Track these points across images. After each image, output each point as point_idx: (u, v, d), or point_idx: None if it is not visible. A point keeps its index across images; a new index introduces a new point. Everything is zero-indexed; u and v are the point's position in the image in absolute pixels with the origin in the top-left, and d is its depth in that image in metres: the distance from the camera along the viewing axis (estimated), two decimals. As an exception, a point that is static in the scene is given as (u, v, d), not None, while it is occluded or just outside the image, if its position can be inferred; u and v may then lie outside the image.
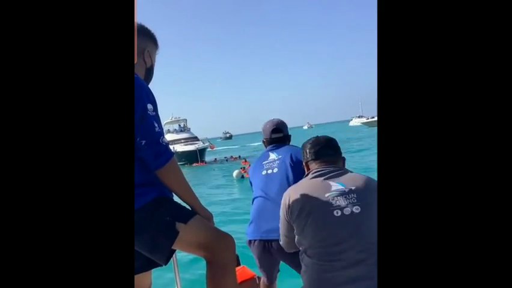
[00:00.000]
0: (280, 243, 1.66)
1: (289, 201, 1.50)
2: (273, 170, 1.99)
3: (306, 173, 1.61)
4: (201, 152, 26.70)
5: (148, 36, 1.51)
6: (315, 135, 1.68)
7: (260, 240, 1.85)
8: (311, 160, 1.60)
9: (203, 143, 28.99)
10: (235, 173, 16.66)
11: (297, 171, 1.84)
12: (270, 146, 2.13)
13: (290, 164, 1.94)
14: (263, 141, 2.22)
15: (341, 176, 1.49)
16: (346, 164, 1.65)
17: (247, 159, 23.52)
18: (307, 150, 1.61)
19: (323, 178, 1.49)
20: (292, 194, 1.51)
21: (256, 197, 1.98)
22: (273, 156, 2.05)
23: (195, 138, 29.15)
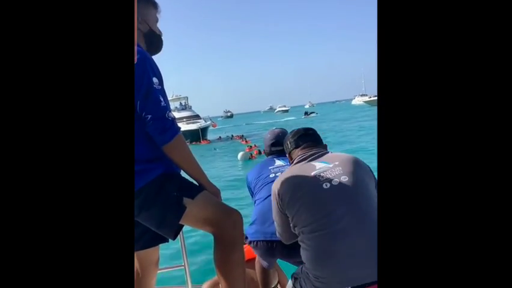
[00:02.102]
0: (278, 235, 1.66)
1: (278, 190, 1.51)
2: (281, 172, 1.94)
3: (290, 162, 1.66)
4: (203, 130, 26.77)
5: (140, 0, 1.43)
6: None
7: (264, 240, 1.83)
8: (293, 149, 1.66)
9: (205, 121, 28.99)
10: (239, 155, 15.72)
11: None
12: (273, 155, 2.14)
13: None
14: (264, 151, 2.25)
15: (323, 155, 1.55)
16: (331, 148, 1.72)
17: (247, 139, 23.48)
18: (289, 141, 1.69)
19: (306, 161, 1.54)
20: (279, 182, 1.52)
21: (262, 198, 1.95)
22: (279, 162, 2.05)
23: (196, 117, 29.11)
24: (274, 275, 2.17)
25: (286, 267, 2.19)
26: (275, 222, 1.62)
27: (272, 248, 1.82)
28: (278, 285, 2.35)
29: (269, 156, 2.16)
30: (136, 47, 1.17)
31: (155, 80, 1.24)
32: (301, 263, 1.52)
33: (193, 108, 31.74)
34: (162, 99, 1.25)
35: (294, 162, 1.59)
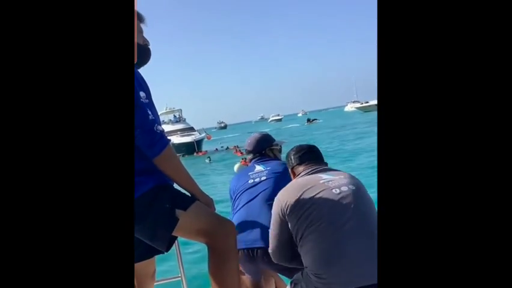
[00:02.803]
0: (270, 250, 1.62)
1: (284, 204, 1.50)
2: (260, 178, 1.94)
3: (293, 178, 1.68)
4: (198, 142, 26.69)
5: None
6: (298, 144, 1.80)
7: (244, 249, 1.78)
8: (296, 165, 1.69)
9: (199, 133, 28.95)
10: (236, 167, 16.23)
11: (288, 180, 1.76)
12: (255, 159, 2.11)
13: (280, 172, 1.92)
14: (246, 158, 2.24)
15: (327, 171, 1.60)
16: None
17: (241, 149, 23.33)
18: (292, 157, 1.72)
19: (312, 173, 1.59)
20: (285, 195, 1.53)
21: (241, 206, 1.91)
22: (259, 167, 2.02)
23: (191, 129, 29.06)
24: (270, 283, 2.15)
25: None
26: (271, 236, 1.59)
27: (254, 256, 1.78)
28: None
29: (250, 162, 2.14)
30: (136, 47, 1.19)
31: (142, 93, 1.26)
32: (284, 270, 1.53)
33: (187, 121, 31.70)
34: (150, 113, 1.26)
35: (299, 176, 1.63)
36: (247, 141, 2.21)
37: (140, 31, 1.45)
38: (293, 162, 1.71)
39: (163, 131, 1.31)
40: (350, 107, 77.62)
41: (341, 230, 1.38)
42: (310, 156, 1.70)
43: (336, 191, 1.46)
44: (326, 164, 1.73)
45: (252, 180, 1.96)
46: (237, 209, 1.92)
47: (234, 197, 2.03)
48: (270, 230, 1.59)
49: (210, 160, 20.81)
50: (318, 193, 1.47)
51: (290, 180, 1.75)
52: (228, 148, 27.39)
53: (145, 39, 1.45)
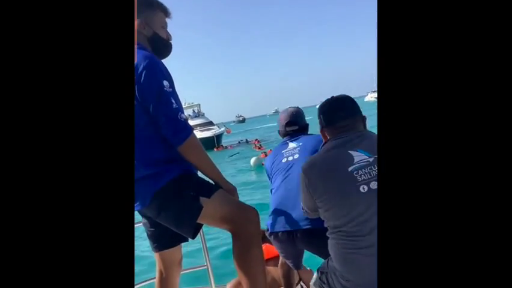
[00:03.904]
0: (302, 209, 1.57)
1: (307, 172, 1.40)
2: (293, 156, 1.90)
3: (324, 142, 1.50)
4: (218, 137, 26.88)
5: (142, 4, 1.40)
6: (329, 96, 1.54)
7: (284, 231, 1.76)
8: (326, 127, 1.48)
9: (218, 127, 29.14)
10: (252, 160, 15.23)
11: None
12: (287, 136, 2.05)
13: (313, 150, 1.83)
14: (278, 132, 2.16)
15: (362, 141, 1.34)
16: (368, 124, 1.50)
17: (261, 144, 23.23)
18: (321, 116, 1.49)
19: (342, 148, 1.35)
20: (308, 171, 1.40)
21: (277, 187, 1.88)
22: (292, 144, 1.97)
23: (210, 123, 29.25)
24: (294, 273, 2.15)
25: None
26: (301, 198, 1.50)
27: (293, 238, 1.76)
28: (301, 282, 2.35)
29: (284, 138, 2.06)
30: (136, 47, 1.21)
31: (165, 83, 1.28)
32: (324, 252, 1.46)
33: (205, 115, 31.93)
34: (174, 101, 1.28)
35: (328, 146, 1.41)
36: (281, 115, 2.12)
37: (163, 25, 1.48)
38: (323, 122, 1.48)
39: (186, 119, 1.33)
40: (370, 97, 76.19)
41: (357, 234, 1.27)
42: (342, 116, 1.43)
43: (363, 188, 1.26)
44: (363, 118, 1.47)
45: (286, 159, 1.93)
46: (274, 192, 1.90)
47: (270, 178, 2.02)
48: (301, 197, 1.53)
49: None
50: (343, 192, 1.30)
51: None
52: (247, 141, 27.54)
53: (168, 34, 1.50)
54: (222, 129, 29.65)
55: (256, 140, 26.64)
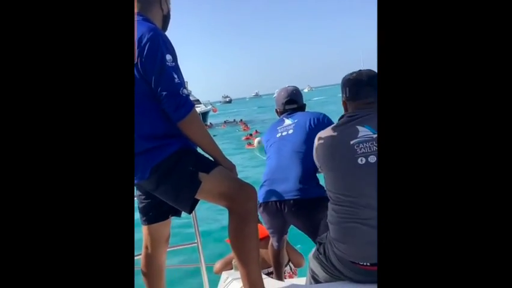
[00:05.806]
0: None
1: (315, 149, 1.53)
2: (288, 131, 1.95)
3: (343, 114, 1.54)
4: (204, 115, 26.77)
5: None
6: (357, 70, 1.55)
7: (273, 201, 1.83)
8: (349, 100, 1.52)
9: (205, 106, 28.95)
10: (256, 141, 15.11)
11: (315, 135, 1.67)
12: (284, 114, 2.07)
13: (309, 127, 1.88)
14: (276, 111, 2.17)
15: (372, 118, 1.38)
16: None
17: (248, 124, 23.25)
18: (347, 88, 1.52)
19: (352, 123, 1.42)
20: (319, 139, 1.52)
21: (269, 160, 1.95)
22: (288, 121, 2.01)
23: (197, 101, 29.04)
24: (284, 254, 2.21)
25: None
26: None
27: (282, 209, 1.82)
28: (289, 263, 2.41)
29: (281, 116, 2.10)
30: (136, 47, 1.20)
31: (168, 57, 1.26)
32: (311, 226, 1.56)
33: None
34: (176, 76, 1.27)
35: (344, 119, 1.47)
36: (280, 92, 2.14)
37: (167, 1, 1.51)
38: (347, 95, 1.52)
39: (188, 94, 1.31)
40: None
41: (355, 207, 1.35)
42: (367, 94, 1.46)
43: (361, 160, 1.35)
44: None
45: (280, 134, 1.98)
46: (268, 163, 1.96)
47: (266, 151, 2.07)
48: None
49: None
50: (341, 162, 1.40)
51: (317, 132, 1.59)
52: (237, 122, 27.55)
53: (168, 8, 1.52)
54: (209, 107, 29.47)
55: (241, 120, 26.62)
